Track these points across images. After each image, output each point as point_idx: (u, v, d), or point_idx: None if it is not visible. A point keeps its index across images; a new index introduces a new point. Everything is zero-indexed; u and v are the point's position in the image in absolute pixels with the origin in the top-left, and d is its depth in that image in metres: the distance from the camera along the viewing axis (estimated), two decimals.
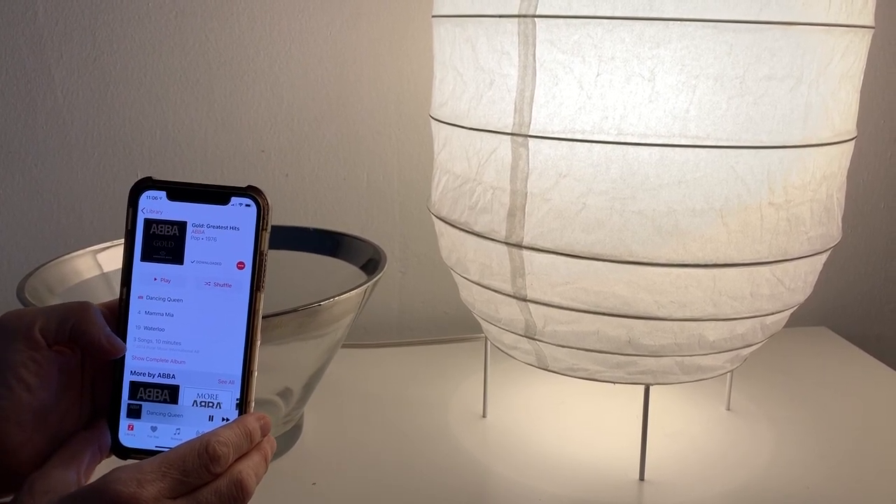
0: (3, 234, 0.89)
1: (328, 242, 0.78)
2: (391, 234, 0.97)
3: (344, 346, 0.73)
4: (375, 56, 0.91)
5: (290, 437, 0.73)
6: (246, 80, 0.90)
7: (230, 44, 0.88)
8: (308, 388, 0.71)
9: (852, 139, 0.64)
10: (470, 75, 0.63)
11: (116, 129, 0.88)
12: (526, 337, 0.68)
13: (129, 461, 0.37)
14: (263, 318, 0.57)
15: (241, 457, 0.39)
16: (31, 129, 0.87)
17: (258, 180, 0.92)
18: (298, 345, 0.65)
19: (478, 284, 0.68)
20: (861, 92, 0.64)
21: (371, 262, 0.73)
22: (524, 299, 0.64)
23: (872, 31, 0.61)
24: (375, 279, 0.66)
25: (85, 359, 0.41)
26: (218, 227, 0.41)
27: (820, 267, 0.67)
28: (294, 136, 0.92)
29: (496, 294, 0.67)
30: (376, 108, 0.93)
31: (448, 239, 0.71)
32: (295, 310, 0.59)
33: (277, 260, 0.78)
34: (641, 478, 0.68)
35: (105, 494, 0.34)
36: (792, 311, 0.67)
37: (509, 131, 0.61)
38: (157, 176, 0.41)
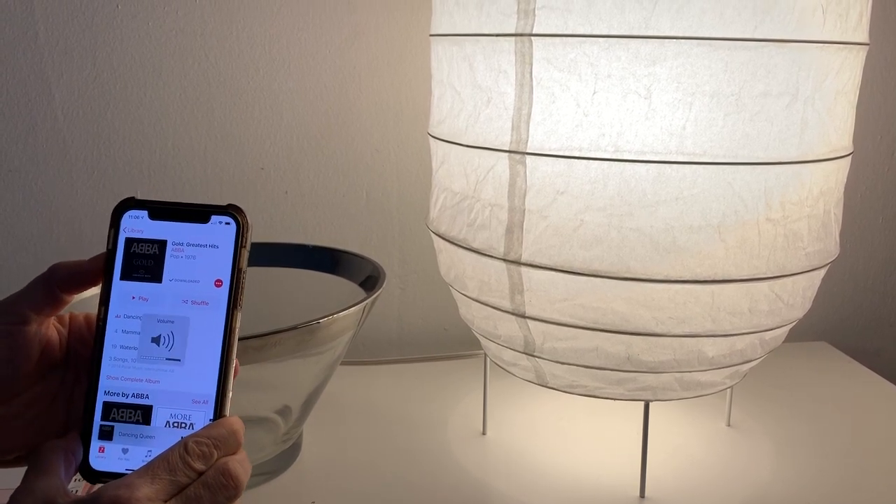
0: (4, 251, 0.90)
1: (327, 259, 0.78)
2: (390, 250, 0.97)
3: (343, 363, 0.73)
4: (374, 74, 0.92)
5: (288, 455, 0.73)
6: (245, 99, 0.90)
7: (230, 62, 0.89)
8: (307, 405, 0.71)
9: (848, 155, 0.64)
10: (467, 93, 0.64)
11: (116, 146, 0.89)
12: (525, 353, 0.68)
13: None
14: (262, 335, 0.57)
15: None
16: (32, 146, 0.88)
17: (258, 198, 0.93)
18: (297, 362, 0.65)
19: (476, 301, 0.68)
20: (858, 108, 0.64)
21: (370, 278, 0.73)
22: (523, 316, 0.64)
23: (867, 47, 0.62)
24: (374, 296, 0.66)
25: (69, 366, 0.42)
26: (197, 246, 0.41)
27: (818, 282, 0.67)
28: (293, 153, 0.93)
29: (495, 311, 0.67)
30: (375, 125, 0.93)
31: (447, 256, 0.71)
32: (294, 327, 0.59)
33: (276, 277, 0.78)
34: (642, 495, 0.68)
35: (101, 500, 0.34)
36: (791, 326, 0.67)
37: (507, 149, 0.61)
38: (156, 194, 0.42)
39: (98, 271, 0.41)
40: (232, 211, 0.41)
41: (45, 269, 0.41)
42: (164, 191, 0.90)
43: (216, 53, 0.88)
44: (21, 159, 0.88)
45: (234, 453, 0.39)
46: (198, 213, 0.41)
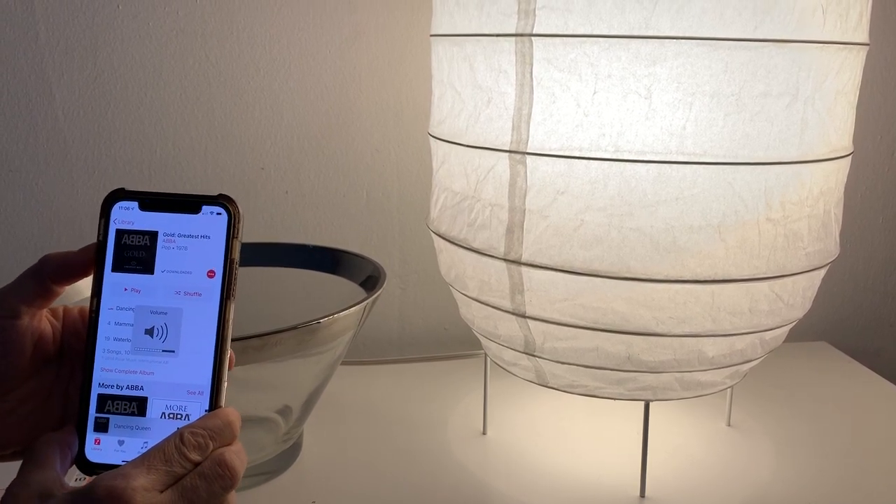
0: (4, 251, 0.90)
1: (327, 259, 0.78)
2: (391, 250, 0.97)
3: (343, 363, 0.73)
4: (374, 74, 0.92)
5: (289, 454, 0.73)
6: (246, 99, 0.90)
7: (230, 62, 0.89)
8: (308, 405, 0.71)
9: (849, 155, 0.64)
10: (468, 93, 0.64)
11: (117, 146, 0.89)
12: (525, 353, 0.68)
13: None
14: (263, 335, 0.58)
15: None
16: (33, 146, 0.88)
17: (258, 197, 0.93)
18: (298, 362, 0.65)
19: (477, 301, 0.69)
20: (858, 108, 0.64)
21: (370, 278, 0.73)
22: (523, 316, 0.64)
23: (867, 48, 0.62)
24: (375, 296, 0.66)
25: (64, 360, 0.42)
26: (189, 236, 0.40)
27: (818, 282, 0.67)
28: (294, 153, 0.93)
29: (495, 310, 0.67)
30: (375, 125, 0.93)
31: (447, 255, 0.71)
32: (294, 327, 0.59)
33: (277, 277, 0.78)
34: (642, 495, 0.68)
35: (97, 490, 0.34)
36: (791, 326, 0.67)
37: (507, 149, 0.61)
38: (149, 190, 0.41)
39: (88, 261, 0.41)
40: (223, 201, 0.40)
41: None
42: (164, 189, 0.90)
43: (217, 54, 0.88)
44: (22, 159, 0.88)
45: (229, 444, 0.39)
46: (189, 204, 0.41)
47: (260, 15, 0.88)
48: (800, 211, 0.60)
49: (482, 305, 0.68)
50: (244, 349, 0.56)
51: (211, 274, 0.40)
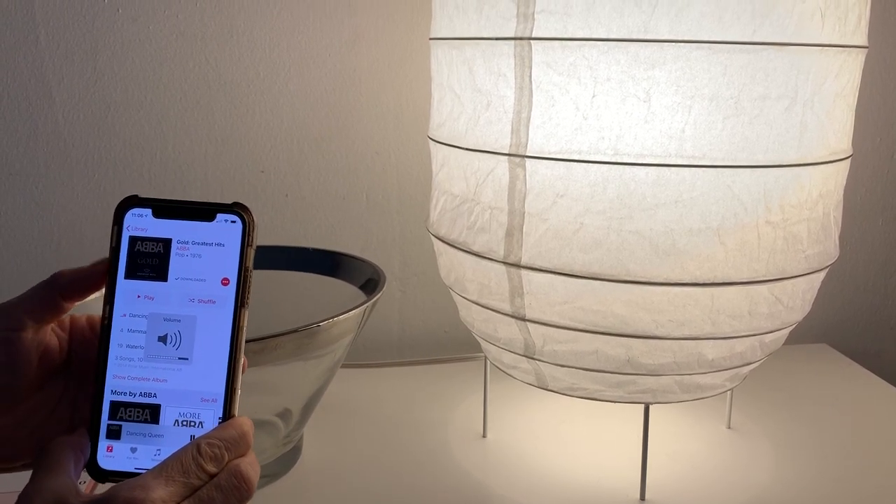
0: (4, 255, 0.90)
1: (327, 262, 0.78)
2: (390, 253, 0.97)
3: (343, 366, 0.73)
4: (374, 77, 0.92)
5: (289, 458, 0.73)
6: (246, 102, 0.90)
7: (230, 65, 0.89)
8: (307, 408, 0.71)
9: (848, 157, 0.64)
10: (467, 96, 0.64)
11: (117, 150, 0.89)
12: (525, 356, 0.68)
13: (109, 485, 0.37)
14: (262, 338, 0.58)
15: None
16: (33, 150, 0.88)
17: (258, 200, 0.93)
18: (298, 365, 0.65)
19: (476, 304, 0.69)
20: (857, 111, 0.64)
21: (370, 281, 0.73)
22: (523, 319, 0.64)
23: (866, 50, 0.62)
24: (375, 299, 0.66)
25: (72, 370, 0.42)
26: (203, 244, 0.40)
27: (818, 285, 0.67)
28: (293, 156, 0.93)
29: (495, 313, 0.67)
30: (375, 128, 0.93)
31: (447, 258, 0.71)
32: (294, 330, 0.59)
33: (277, 280, 0.78)
34: (642, 497, 0.68)
35: (115, 501, 0.34)
36: (791, 328, 0.67)
37: (506, 152, 0.61)
38: (156, 196, 0.41)
39: (100, 275, 0.41)
40: (238, 209, 0.41)
41: (45, 272, 0.41)
42: (165, 194, 0.89)
43: (216, 57, 0.89)
44: (22, 163, 0.88)
45: (244, 455, 0.39)
46: (203, 212, 0.41)
47: (260, 18, 0.88)
48: (799, 213, 0.60)
49: (482, 308, 0.68)
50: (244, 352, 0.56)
51: (225, 282, 0.40)
